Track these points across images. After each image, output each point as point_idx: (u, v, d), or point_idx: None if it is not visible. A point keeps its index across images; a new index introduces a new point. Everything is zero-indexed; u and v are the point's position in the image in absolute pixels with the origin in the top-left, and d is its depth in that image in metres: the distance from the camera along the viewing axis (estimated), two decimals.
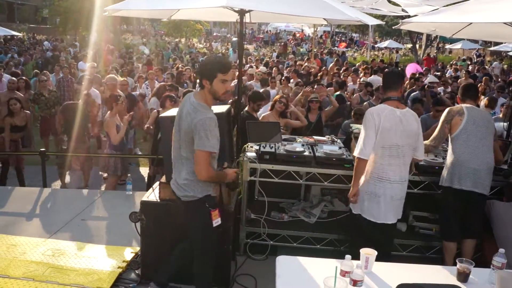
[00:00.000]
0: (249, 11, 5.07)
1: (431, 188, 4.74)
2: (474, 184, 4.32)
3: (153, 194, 4.26)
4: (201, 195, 3.48)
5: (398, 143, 3.94)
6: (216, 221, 3.53)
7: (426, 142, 4.64)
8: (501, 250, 2.95)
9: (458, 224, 4.47)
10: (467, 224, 4.48)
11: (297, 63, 18.68)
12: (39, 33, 36.82)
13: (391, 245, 4.45)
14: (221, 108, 4.04)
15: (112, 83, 8.45)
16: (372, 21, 5.92)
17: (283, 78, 12.10)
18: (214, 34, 48.15)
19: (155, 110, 7.25)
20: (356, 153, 4.02)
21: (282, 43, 35.06)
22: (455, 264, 2.94)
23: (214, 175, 3.46)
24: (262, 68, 15.03)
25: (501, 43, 21.57)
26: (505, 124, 6.24)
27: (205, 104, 3.38)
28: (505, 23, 4.86)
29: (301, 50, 33.83)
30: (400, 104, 4.05)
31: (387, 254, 4.16)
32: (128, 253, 4.76)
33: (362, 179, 4.09)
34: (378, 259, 2.99)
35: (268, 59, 21.70)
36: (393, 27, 8.11)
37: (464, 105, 4.51)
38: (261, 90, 8.50)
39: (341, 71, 14.02)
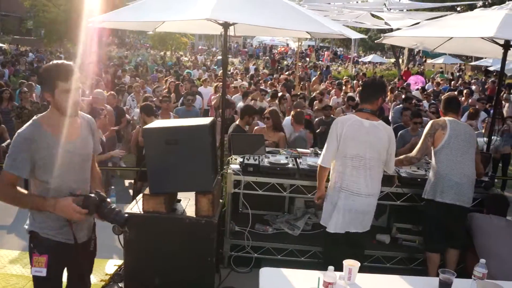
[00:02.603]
0: (233, 24, 5.11)
1: (414, 200, 4.79)
2: (456, 197, 4.37)
3: (136, 206, 4.22)
4: (31, 227, 2.85)
5: (361, 154, 3.93)
6: (37, 270, 2.76)
7: (410, 154, 4.69)
8: (482, 261, 2.98)
9: (441, 235, 4.51)
10: (450, 235, 4.53)
11: (281, 77, 18.79)
12: (23, 45, 36.51)
13: (362, 255, 4.34)
14: (205, 120, 4.03)
15: (98, 97, 8.39)
16: (354, 35, 6.00)
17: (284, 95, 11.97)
18: (200, 47, 48.24)
19: (138, 126, 7.21)
20: (318, 160, 4.15)
21: (271, 59, 35.29)
22: (438, 275, 2.96)
23: (9, 197, 2.73)
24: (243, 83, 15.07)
25: (482, 58, 22.00)
26: (486, 138, 6.34)
27: (42, 121, 2.73)
28: (482, 37, 4.97)
29: (284, 62, 33.99)
30: (372, 116, 4.03)
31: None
32: (111, 266, 4.70)
33: (328, 189, 4.14)
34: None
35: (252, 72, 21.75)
36: (375, 41, 8.22)
37: (447, 118, 4.56)
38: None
39: (326, 85, 14.16)
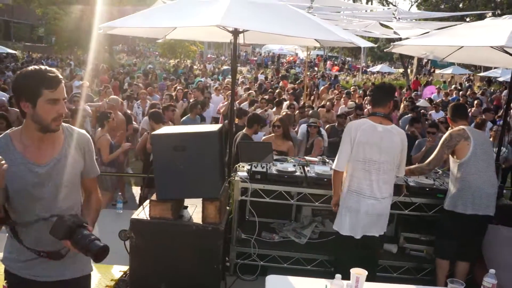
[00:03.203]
0: (243, 31, 5.13)
1: (422, 209, 4.75)
2: (487, 208, 4.34)
3: (143, 212, 4.22)
4: (2, 256, 2.50)
5: (375, 159, 3.96)
6: None
7: (422, 164, 4.68)
8: (491, 271, 2.94)
9: (455, 245, 4.46)
10: (465, 248, 4.46)
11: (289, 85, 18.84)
12: (34, 51, 36.97)
13: (375, 262, 4.38)
14: (213, 127, 4.04)
15: (112, 104, 8.47)
16: (364, 44, 5.99)
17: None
18: (208, 55, 48.48)
19: (146, 133, 7.25)
20: (333, 165, 4.14)
21: (275, 68, 35.35)
22: (447, 284, 2.93)
23: None
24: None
25: (491, 68, 21.91)
26: (495, 149, 6.29)
27: (13, 136, 2.34)
28: (492, 47, 4.95)
29: (292, 71, 33.98)
30: (385, 120, 4.06)
31: (371, 274, 4.15)
32: (117, 271, 4.69)
33: (342, 193, 4.12)
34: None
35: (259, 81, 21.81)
36: (384, 50, 8.22)
37: (465, 127, 4.50)
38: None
39: (335, 95, 14.17)
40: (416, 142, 7.07)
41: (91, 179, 2.62)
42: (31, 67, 2.31)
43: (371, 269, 4.22)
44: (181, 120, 9.18)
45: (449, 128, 4.76)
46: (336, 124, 8.78)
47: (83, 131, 2.57)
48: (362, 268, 2.94)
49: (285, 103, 11.44)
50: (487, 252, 4.39)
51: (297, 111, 10.30)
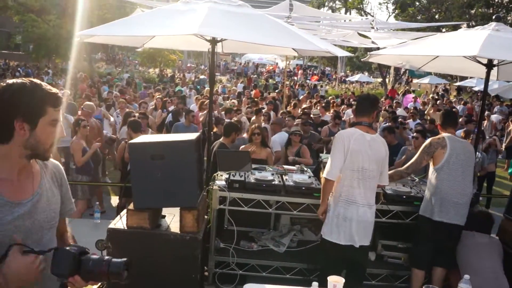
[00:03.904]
0: (221, 40, 5.14)
1: (399, 217, 4.80)
2: (454, 217, 4.41)
3: (120, 222, 4.18)
4: None
5: (366, 167, 4.01)
6: None
7: (401, 168, 4.75)
8: (466, 277, 2.99)
9: (431, 254, 4.54)
10: (440, 254, 4.54)
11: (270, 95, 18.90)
12: (11, 59, 36.44)
13: (363, 272, 4.41)
14: (191, 136, 4.03)
15: (88, 110, 8.43)
16: (341, 53, 6.05)
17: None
18: (188, 65, 48.38)
19: (123, 142, 7.19)
20: (324, 173, 4.11)
21: (247, 78, 35.41)
22: None
23: None
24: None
25: (466, 78, 22.34)
26: None
27: None
28: (465, 56, 5.06)
29: (270, 81, 33.91)
30: (370, 130, 4.14)
31: (358, 281, 4.18)
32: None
33: (331, 201, 4.13)
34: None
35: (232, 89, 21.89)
36: (362, 60, 8.32)
37: (446, 135, 4.58)
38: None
39: (313, 103, 14.25)
40: (402, 149, 7.35)
41: (63, 219, 2.19)
42: (22, 80, 1.87)
43: (360, 277, 4.28)
44: (174, 124, 9.22)
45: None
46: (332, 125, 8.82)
47: (57, 162, 2.17)
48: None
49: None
50: (462, 257, 4.46)
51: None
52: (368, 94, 4.95)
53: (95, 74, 27.16)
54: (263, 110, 11.14)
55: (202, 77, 31.64)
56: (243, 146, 6.64)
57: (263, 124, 9.10)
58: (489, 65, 5.30)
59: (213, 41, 4.99)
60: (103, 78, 25.14)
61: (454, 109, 15.16)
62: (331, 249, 4.12)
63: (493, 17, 5.46)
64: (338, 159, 4.03)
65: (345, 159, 4.01)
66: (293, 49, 5.79)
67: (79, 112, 9.16)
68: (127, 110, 10.21)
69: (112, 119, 10.74)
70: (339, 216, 4.06)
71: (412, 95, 21.77)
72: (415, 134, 7.37)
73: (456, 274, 4.31)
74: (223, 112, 11.21)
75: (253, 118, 10.60)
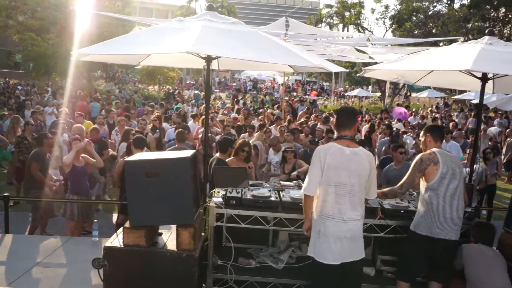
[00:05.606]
0: (216, 57, 5.17)
1: (398, 231, 4.77)
2: (447, 233, 4.39)
3: (117, 240, 4.17)
4: None
5: (345, 182, 3.98)
6: None
7: (395, 188, 4.73)
8: None
9: (421, 268, 4.53)
10: (435, 269, 4.52)
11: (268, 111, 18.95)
12: (11, 78, 36.62)
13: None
14: (186, 153, 4.04)
15: (77, 132, 8.46)
16: (334, 68, 6.08)
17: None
18: (187, 81, 48.60)
19: (121, 159, 7.19)
20: (302, 189, 4.14)
21: (232, 94, 35.48)
22: None
23: None
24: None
25: (465, 91, 22.42)
26: (467, 169, 6.39)
27: None
28: (460, 70, 5.09)
29: (267, 98, 33.79)
30: (352, 143, 4.12)
31: None
32: None
33: (314, 217, 4.10)
34: None
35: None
36: (357, 75, 8.38)
37: (436, 150, 4.55)
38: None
39: (309, 118, 14.30)
40: (383, 171, 7.17)
41: None
42: None
43: None
44: (169, 142, 9.22)
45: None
46: (308, 149, 8.75)
47: None
48: None
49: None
50: (469, 270, 4.42)
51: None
52: (346, 106, 4.97)
53: (94, 91, 27.23)
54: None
55: (196, 92, 31.75)
56: (228, 159, 6.59)
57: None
58: (484, 78, 5.33)
59: (208, 59, 5.01)
60: (102, 96, 25.25)
61: (451, 123, 15.19)
62: (318, 267, 4.07)
63: (486, 31, 5.50)
64: (314, 175, 4.03)
65: (322, 174, 4.00)
66: (288, 65, 5.82)
67: None
68: (126, 127, 10.24)
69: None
70: (319, 233, 4.04)
71: (403, 109, 21.72)
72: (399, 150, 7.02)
73: (460, 286, 4.29)
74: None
75: (256, 133, 10.65)
